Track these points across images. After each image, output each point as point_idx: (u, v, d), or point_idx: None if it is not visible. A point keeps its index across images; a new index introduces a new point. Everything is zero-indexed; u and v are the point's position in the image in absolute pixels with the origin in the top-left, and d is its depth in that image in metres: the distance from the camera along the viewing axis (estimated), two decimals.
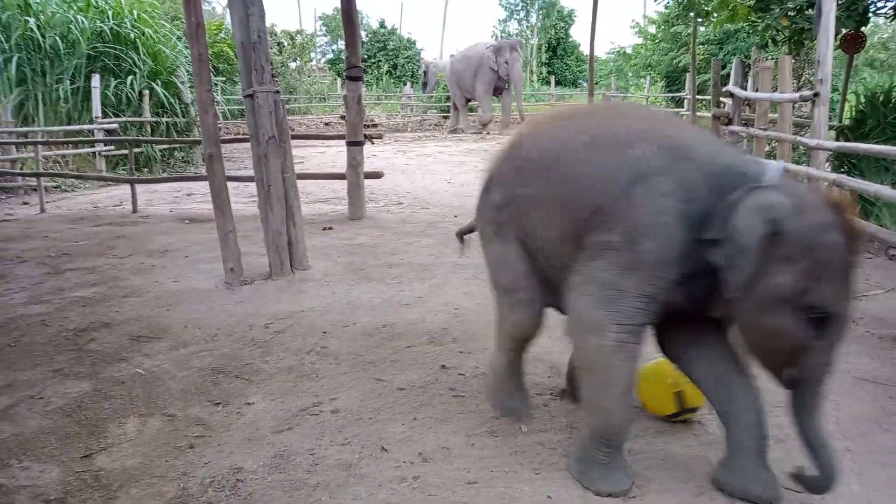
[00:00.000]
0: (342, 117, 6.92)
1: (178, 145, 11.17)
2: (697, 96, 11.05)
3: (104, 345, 3.49)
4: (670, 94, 17.40)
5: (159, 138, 10.74)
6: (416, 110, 23.62)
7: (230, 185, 4.65)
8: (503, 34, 32.56)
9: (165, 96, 11.23)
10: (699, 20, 6.73)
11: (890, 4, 5.92)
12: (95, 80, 10.32)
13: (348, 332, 3.64)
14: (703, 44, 7.97)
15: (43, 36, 10.38)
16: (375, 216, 7.22)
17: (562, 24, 33.06)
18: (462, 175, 11.00)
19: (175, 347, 3.45)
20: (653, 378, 2.52)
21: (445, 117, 22.58)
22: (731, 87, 5.96)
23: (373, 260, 5.20)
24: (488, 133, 18.06)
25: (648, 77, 19.05)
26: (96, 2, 11.20)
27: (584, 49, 30.18)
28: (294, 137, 8.34)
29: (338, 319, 3.81)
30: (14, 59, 10.06)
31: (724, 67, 7.59)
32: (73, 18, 10.68)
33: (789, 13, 5.80)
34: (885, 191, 3.47)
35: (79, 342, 3.54)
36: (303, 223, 4.74)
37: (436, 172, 11.36)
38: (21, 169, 9.19)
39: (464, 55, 19.16)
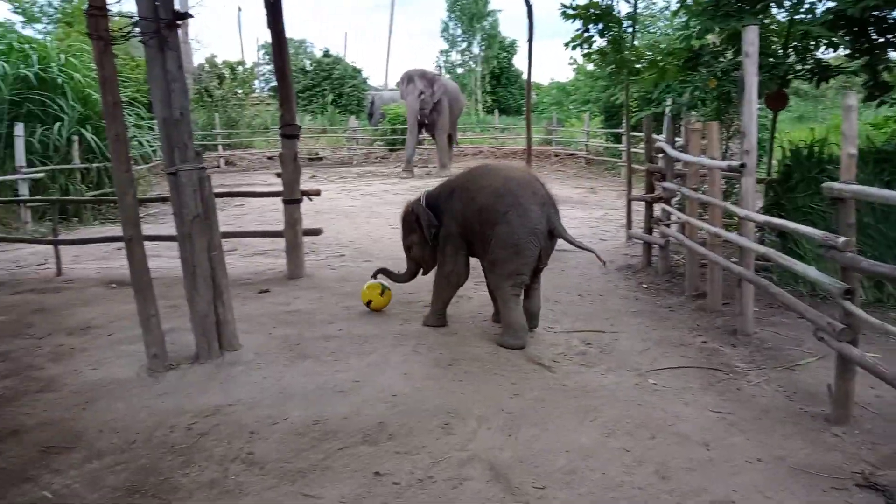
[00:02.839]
0: (278, 174, 6.80)
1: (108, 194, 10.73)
2: (634, 133, 11.35)
3: (9, 460, 3.21)
4: (609, 130, 17.74)
5: (84, 198, 10.23)
6: (361, 143, 23.48)
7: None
8: (446, 63, 32.90)
9: (95, 142, 10.82)
10: (631, 77, 6.87)
11: (807, 67, 6.16)
12: (19, 129, 9.83)
13: (278, 430, 3.46)
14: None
15: None
16: (315, 273, 7.04)
17: (504, 54, 33.60)
18: None
19: (88, 459, 3.21)
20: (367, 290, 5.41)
21: (392, 150, 22.52)
22: (661, 143, 6.06)
23: (309, 331, 5.03)
24: (411, 174, 16.96)
25: (588, 113, 19.41)
26: (20, 46, 10.74)
27: None
28: (229, 195, 8.12)
29: (267, 415, 3.63)
30: None
31: (656, 118, 7.76)
32: None
33: (717, 74, 5.96)
34: (810, 272, 3.52)
35: None
36: (231, 301, 4.54)
37: (380, 216, 11.23)
38: None
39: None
